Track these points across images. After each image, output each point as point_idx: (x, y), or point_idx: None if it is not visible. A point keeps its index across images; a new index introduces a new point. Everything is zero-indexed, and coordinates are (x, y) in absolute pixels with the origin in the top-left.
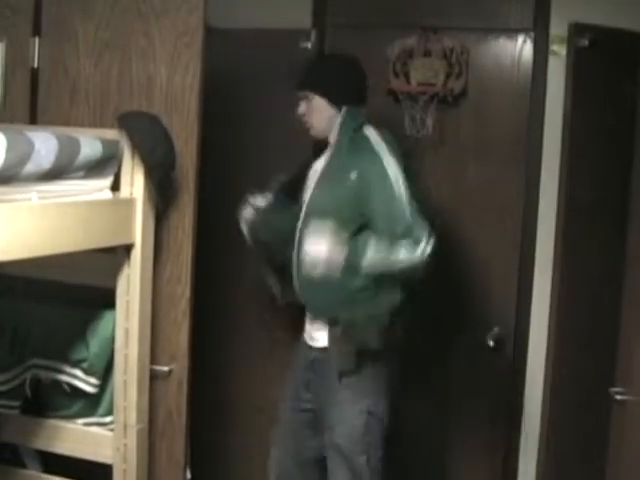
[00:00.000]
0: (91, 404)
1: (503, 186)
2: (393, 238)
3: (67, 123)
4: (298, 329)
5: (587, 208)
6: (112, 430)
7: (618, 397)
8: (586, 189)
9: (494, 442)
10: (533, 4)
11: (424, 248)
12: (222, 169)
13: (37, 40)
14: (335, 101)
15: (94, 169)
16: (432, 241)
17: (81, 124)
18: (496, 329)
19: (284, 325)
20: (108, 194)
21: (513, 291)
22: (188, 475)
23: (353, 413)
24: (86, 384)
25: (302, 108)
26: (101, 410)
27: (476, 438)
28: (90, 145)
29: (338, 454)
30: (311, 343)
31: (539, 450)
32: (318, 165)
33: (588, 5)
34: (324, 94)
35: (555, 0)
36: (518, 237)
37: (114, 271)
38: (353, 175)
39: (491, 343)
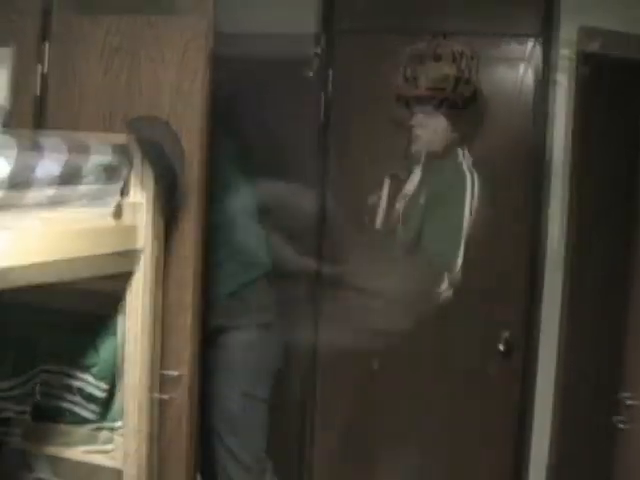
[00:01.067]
0: (101, 409)
1: (512, 193)
2: None
3: (76, 128)
4: (305, 330)
5: (595, 213)
6: (122, 435)
7: (628, 402)
8: (594, 193)
9: (503, 447)
10: (543, 9)
11: None
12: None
13: (46, 45)
14: None
15: (104, 174)
16: None
17: (90, 129)
18: (506, 333)
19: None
20: (117, 199)
21: (523, 295)
22: None
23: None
24: (96, 389)
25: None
26: (111, 415)
27: (485, 443)
28: (100, 150)
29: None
30: None
31: (549, 454)
32: None
33: (598, 10)
34: None
35: (565, 5)
36: (527, 241)
37: (124, 276)
38: None
39: (501, 347)
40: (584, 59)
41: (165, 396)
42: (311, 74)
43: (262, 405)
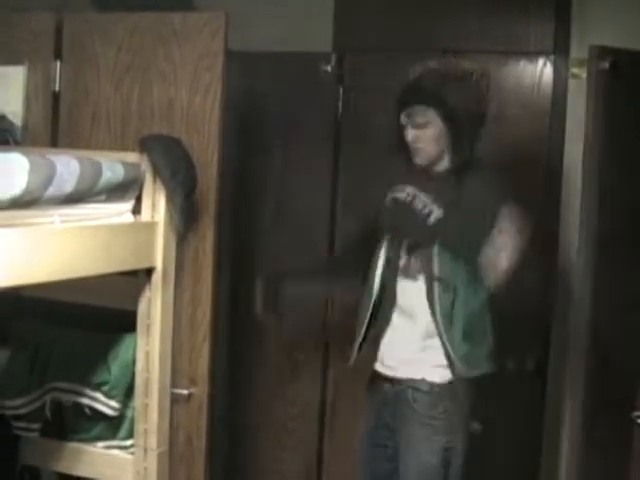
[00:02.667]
0: (112, 427)
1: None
2: None
3: (88, 146)
4: (318, 351)
5: (610, 231)
6: (132, 453)
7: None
8: (608, 214)
9: (531, 467)
10: (553, 27)
11: None
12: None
13: (58, 64)
14: None
15: (116, 192)
16: None
17: (102, 147)
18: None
19: (304, 347)
20: (129, 217)
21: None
22: None
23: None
24: (107, 407)
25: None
26: (122, 433)
27: (512, 464)
28: (112, 168)
29: None
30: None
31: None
32: None
33: (609, 28)
34: None
35: (575, 23)
36: (548, 258)
37: (135, 294)
38: None
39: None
40: (596, 76)
41: (176, 414)
42: (322, 92)
43: None
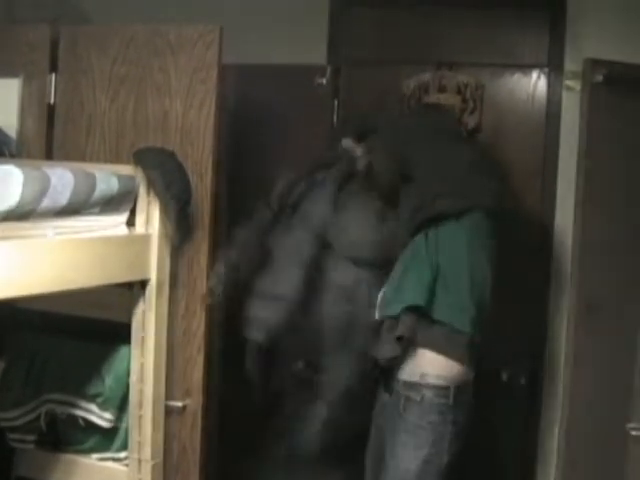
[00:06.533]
0: (106, 439)
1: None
2: None
3: (83, 158)
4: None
5: (604, 243)
6: (127, 465)
7: (633, 433)
8: (603, 226)
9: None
10: (548, 40)
11: None
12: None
13: (54, 76)
14: None
15: (110, 205)
16: None
17: (97, 159)
18: (511, 364)
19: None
20: (124, 230)
21: (531, 323)
22: None
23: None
24: (101, 419)
25: None
26: (116, 445)
27: (493, 474)
28: (106, 181)
29: None
30: None
31: None
32: None
33: (603, 40)
34: None
35: (569, 36)
36: (537, 275)
37: (130, 306)
38: None
39: (504, 378)
40: (590, 89)
41: (170, 426)
42: (317, 105)
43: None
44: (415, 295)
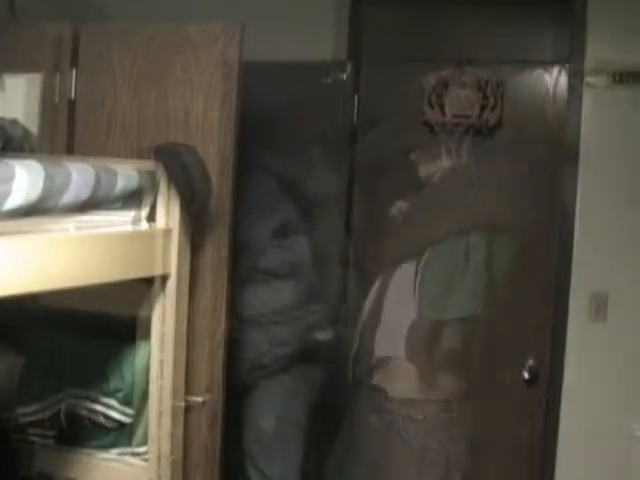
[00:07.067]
0: (126, 434)
1: (538, 218)
2: None
3: (103, 154)
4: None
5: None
6: (146, 460)
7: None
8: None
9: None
10: (568, 36)
11: None
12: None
13: (74, 72)
14: None
15: (130, 200)
16: None
17: (117, 155)
18: (530, 361)
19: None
20: (145, 225)
21: (548, 322)
22: None
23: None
24: (121, 414)
25: None
26: (136, 440)
27: (508, 474)
28: (127, 176)
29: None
30: None
31: None
32: None
33: (624, 37)
34: None
35: (591, 32)
36: (553, 269)
37: (150, 302)
38: None
39: (526, 375)
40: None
41: (190, 422)
42: (337, 101)
43: (297, 430)
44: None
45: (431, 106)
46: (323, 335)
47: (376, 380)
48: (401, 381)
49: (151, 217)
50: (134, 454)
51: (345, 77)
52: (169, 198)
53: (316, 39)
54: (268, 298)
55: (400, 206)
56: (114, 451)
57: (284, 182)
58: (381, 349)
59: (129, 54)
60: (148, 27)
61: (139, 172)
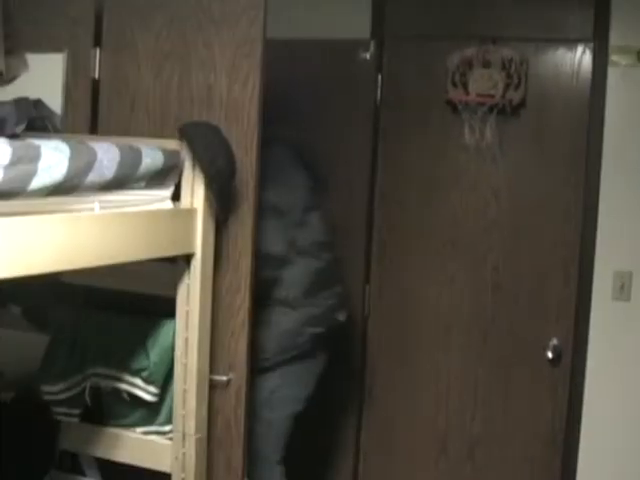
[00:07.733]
0: (150, 413)
1: (562, 197)
2: None
3: (127, 133)
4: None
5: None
6: (171, 439)
7: None
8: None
9: (552, 460)
10: (593, 14)
11: None
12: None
13: (98, 51)
14: None
15: (155, 179)
16: None
17: (141, 134)
18: (555, 340)
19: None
20: (169, 204)
21: (572, 301)
22: None
23: None
24: (146, 393)
25: None
26: (160, 419)
27: (533, 457)
28: (151, 155)
29: None
30: None
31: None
32: None
33: None
34: None
35: (615, 10)
36: (577, 247)
37: (174, 280)
38: None
39: (549, 355)
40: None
41: (214, 400)
42: (360, 79)
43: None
44: None
45: (454, 85)
46: (342, 316)
47: None
48: None
49: (175, 196)
50: (159, 433)
51: (368, 56)
52: (193, 177)
53: (339, 17)
54: (298, 279)
55: None
56: (139, 429)
57: (307, 164)
58: None
59: (151, 32)
60: (170, 4)
61: (163, 151)
